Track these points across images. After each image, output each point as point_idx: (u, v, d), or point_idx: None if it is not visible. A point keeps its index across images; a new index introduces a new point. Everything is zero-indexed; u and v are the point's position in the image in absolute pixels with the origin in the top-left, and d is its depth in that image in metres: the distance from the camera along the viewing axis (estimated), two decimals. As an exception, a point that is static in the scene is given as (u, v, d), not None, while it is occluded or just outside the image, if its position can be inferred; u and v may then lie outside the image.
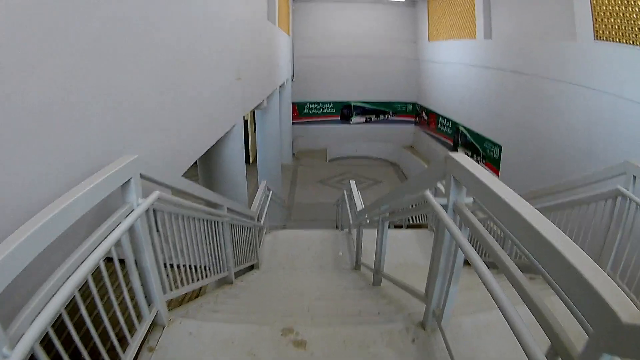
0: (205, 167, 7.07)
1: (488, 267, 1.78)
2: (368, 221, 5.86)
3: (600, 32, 8.83)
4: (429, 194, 2.69)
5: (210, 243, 4.04)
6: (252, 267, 6.77)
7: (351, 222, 7.96)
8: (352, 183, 8.40)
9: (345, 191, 9.33)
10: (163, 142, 3.78)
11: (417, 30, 22.39)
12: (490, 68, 14.20)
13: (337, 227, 12.31)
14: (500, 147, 13.49)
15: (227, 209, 4.57)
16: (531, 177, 11.43)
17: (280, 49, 15.56)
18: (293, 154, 22.93)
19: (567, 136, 10.01)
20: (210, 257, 4.09)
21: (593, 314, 1.14)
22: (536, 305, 1.40)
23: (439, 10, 19.01)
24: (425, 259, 6.07)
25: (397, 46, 23.09)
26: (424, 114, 22.31)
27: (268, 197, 8.53)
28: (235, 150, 6.98)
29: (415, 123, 23.99)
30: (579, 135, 9.61)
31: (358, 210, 6.72)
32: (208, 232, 3.98)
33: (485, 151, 14.55)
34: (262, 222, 7.19)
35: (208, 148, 5.17)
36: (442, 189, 2.77)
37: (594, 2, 8.85)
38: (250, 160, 20.09)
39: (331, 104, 24.06)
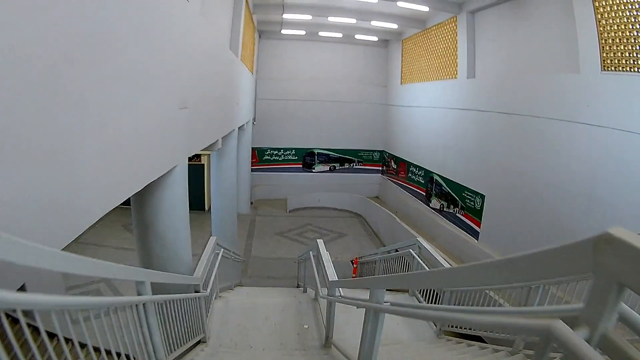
0: (140, 218, 5.58)
1: None
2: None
3: (609, 61, 7.99)
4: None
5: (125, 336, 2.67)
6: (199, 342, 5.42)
7: (319, 289, 6.55)
8: (320, 243, 7.03)
9: (311, 252, 7.91)
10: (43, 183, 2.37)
11: (389, 72, 21.84)
12: (472, 110, 13.44)
13: (298, 286, 10.88)
14: (482, 197, 12.59)
15: (153, 283, 3.20)
16: (521, 227, 10.64)
17: (242, 86, 14.37)
18: (251, 203, 21.45)
19: (566, 179, 9.18)
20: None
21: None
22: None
23: (414, 50, 18.40)
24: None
25: (367, 90, 22.50)
26: (392, 163, 21.47)
27: (219, 255, 7.05)
28: (176, 197, 5.55)
29: (382, 172, 23.14)
30: (580, 178, 8.80)
31: (330, 279, 5.33)
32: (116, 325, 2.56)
33: (464, 202, 13.61)
34: (208, 289, 5.68)
35: (123, 199, 3.66)
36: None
37: (601, 28, 8.01)
38: (206, 208, 18.85)
39: (293, 151, 23.00)
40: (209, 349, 5.47)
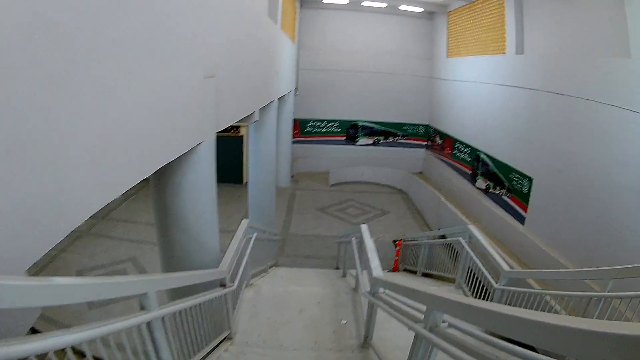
0: (159, 201, 5.00)
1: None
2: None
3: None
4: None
5: None
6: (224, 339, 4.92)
7: (360, 279, 5.88)
8: (364, 229, 6.32)
9: (353, 237, 7.23)
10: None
11: (434, 45, 20.54)
12: (521, 87, 12.38)
13: (337, 268, 10.29)
14: (530, 180, 11.62)
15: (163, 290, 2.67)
16: (567, 217, 9.77)
17: (282, 55, 13.61)
18: (292, 176, 20.91)
19: (616, 171, 8.25)
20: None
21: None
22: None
23: (461, 23, 17.16)
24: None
25: (411, 63, 21.31)
26: (437, 138, 20.44)
27: (251, 240, 6.45)
28: (201, 177, 4.92)
29: (427, 147, 22.11)
30: (631, 171, 7.85)
31: (374, 275, 4.64)
32: None
33: (512, 183, 12.66)
34: (236, 282, 5.09)
35: (130, 186, 3.03)
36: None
37: None
38: (244, 182, 18.53)
39: (337, 123, 22.20)
40: (234, 347, 4.92)
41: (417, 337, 2.77)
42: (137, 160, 3.16)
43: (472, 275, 7.11)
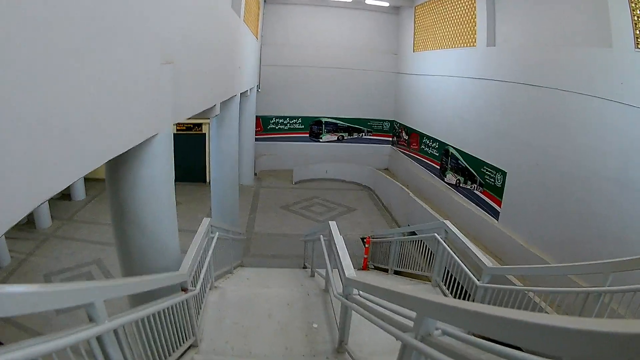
0: (114, 197, 4.57)
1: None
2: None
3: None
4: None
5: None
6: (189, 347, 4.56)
7: (330, 278, 5.54)
8: (333, 226, 6.00)
9: (321, 234, 6.88)
10: None
11: (400, 40, 20.45)
12: (492, 80, 12.25)
13: (304, 267, 9.96)
14: (504, 174, 11.53)
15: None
16: (546, 211, 9.64)
17: (245, 50, 13.21)
18: (255, 174, 20.51)
19: (596, 162, 8.17)
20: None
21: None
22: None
23: (428, 17, 17.04)
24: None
25: (377, 58, 21.15)
26: (403, 133, 20.32)
27: (213, 240, 6.05)
28: (157, 172, 4.50)
29: (393, 143, 22.00)
30: (611, 161, 7.80)
31: (347, 276, 4.33)
32: None
33: (483, 178, 12.56)
34: (198, 285, 4.70)
35: (67, 184, 2.59)
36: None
37: (633, 4, 7.17)
38: (208, 180, 18.32)
39: (300, 119, 21.86)
40: (200, 356, 4.55)
41: (406, 348, 2.45)
42: (78, 155, 2.71)
43: (448, 273, 6.89)
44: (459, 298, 6.30)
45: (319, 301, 6.05)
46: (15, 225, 2.03)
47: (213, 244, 5.89)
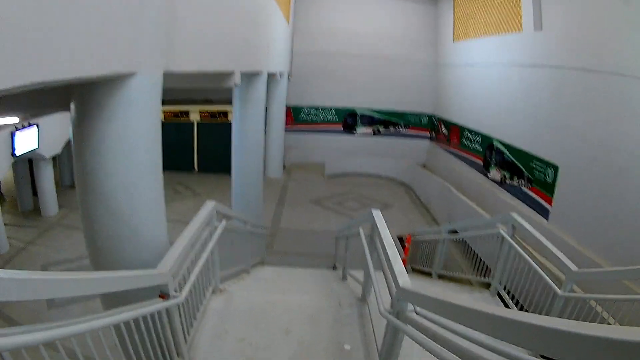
0: (79, 164, 3.32)
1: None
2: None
3: None
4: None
5: None
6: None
7: (375, 285, 4.08)
8: (378, 215, 4.37)
9: (361, 229, 5.30)
10: None
11: (439, 29, 19.02)
12: (541, 67, 10.86)
13: (334, 267, 8.58)
14: (555, 168, 10.08)
15: None
16: (602, 210, 8.36)
17: (274, 29, 11.97)
18: (284, 167, 19.28)
19: None
20: None
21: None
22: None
23: (468, 4, 15.64)
24: None
25: (414, 48, 19.71)
26: (442, 127, 18.83)
27: (216, 230, 4.65)
28: (133, 127, 3.20)
29: (431, 138, 20.48)
30: None
31: (401, 285, 2.91)
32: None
33: (532, 173, 11.09)
34: (185, 290, 3.31)
35: None
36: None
37: None
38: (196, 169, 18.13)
39: (333, 111, 20.54)
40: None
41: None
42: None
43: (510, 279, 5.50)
44: (523, 310, 4.88)
45: (353, 314, 4.64)
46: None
47: (216, 236, 4.51)
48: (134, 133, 3.26)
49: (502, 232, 5.55)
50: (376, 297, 3.35)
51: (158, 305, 2.88)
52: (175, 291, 3.15)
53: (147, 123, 3.40)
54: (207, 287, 4.55)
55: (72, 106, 3.24)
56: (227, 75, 6.80)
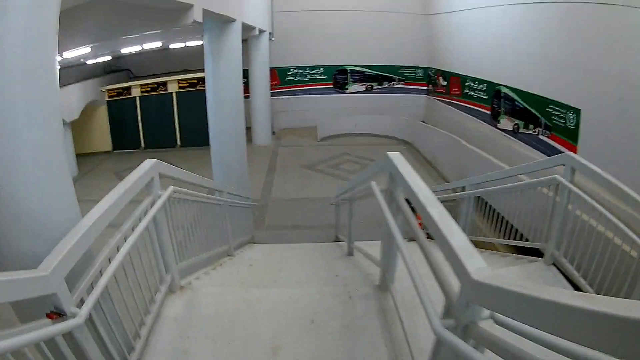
0: None
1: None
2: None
3: None
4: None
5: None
6: None
7: (415, 282, 2.67)
8: (400, 161, 2.79)
9: (374, 184, 3.66)
10: None
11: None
12: (550, 2, 9.66)
13: (336, 240, 7.23)
14: (577, 112, 8.87)
15: None
16: (632, 153, 7.22)
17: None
18: (273, 133, 17.93)
19: None
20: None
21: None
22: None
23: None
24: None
25: (399, -2, 18.46)
26: (441, 79, 17.48)
27: (158, 201, 3.03)
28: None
29: (429, 92, 19.16)
30: None
31: (472, 277, 1.47)
32: None
33: (550, 119, 9.85)
34: (86, 308, 1.87)
35: None
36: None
37: None
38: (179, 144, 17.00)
39: (322, 69, 19.15)
40: None
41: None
42: None
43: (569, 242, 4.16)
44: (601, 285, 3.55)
45: (370, 311, 3.18)
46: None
47: (154, 210, 2.97)
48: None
49: (559, 178, 4.14)
50: (421, 299, 1.94)
51: (47, 329, 1.53)
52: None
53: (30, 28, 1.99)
54: (158, 286, 3.15)
55: None
56: (183, 9, 5.38)
